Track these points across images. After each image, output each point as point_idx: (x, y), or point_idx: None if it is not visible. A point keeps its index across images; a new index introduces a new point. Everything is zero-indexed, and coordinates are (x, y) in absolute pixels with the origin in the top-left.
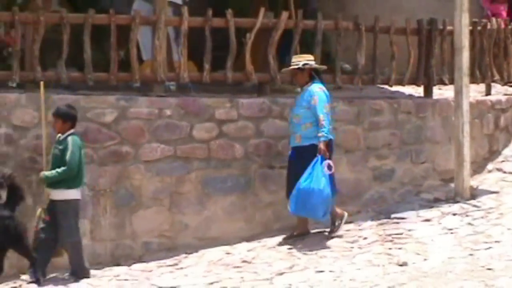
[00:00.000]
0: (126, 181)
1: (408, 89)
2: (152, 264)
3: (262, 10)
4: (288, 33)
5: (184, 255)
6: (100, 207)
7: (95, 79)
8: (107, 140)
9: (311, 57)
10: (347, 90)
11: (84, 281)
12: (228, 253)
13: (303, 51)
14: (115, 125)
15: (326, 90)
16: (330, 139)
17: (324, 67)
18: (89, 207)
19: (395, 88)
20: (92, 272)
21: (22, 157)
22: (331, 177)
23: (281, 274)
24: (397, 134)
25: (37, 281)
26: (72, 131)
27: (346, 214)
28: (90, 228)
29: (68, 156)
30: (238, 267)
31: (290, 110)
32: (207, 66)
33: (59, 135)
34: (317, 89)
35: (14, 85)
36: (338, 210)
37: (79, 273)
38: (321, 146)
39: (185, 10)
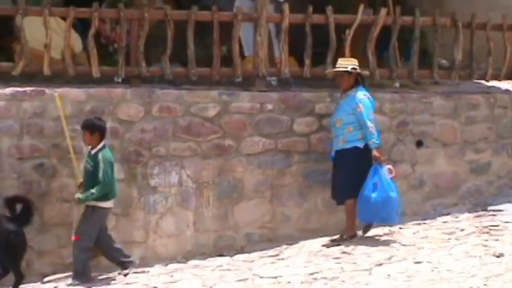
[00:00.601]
0: (229, 173)
1: (505, 84)
2: (254, 255)
3: (361, 7)
4: (386, 29)
5: (285, 246)
6: (203, 199)
7: (198, 74)
8: (210, 133)
9: (356, 61)
10: (444, 85)
11: (188, 271)
12: None
13: (401, 48)
14: (218, 119)
15: (370, 97)
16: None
17: (368, 73)
18: (193, 199)
19: (491, 83)
20: (196, 262)
21: (128, 150)
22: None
23: (380, 264)
24: (493, 128)
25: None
26: (102, 144)
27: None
28: (193, 220)
29: (100, 174)
30: (337, 258)
31: (332, 115)
32: (307, 61)
33: (90, 148)
34: (363, 96)
35: (120, 80)
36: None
37: (78, 276)
38: (376, 153)
39: (286, 7)
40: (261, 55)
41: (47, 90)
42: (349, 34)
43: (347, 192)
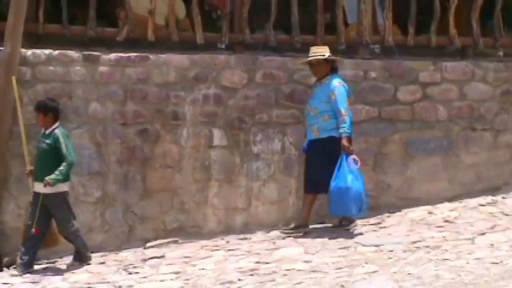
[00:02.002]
0: None
1: None
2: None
3: None
4: None
5: (387, 214)
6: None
7: (302, 41)
8: None
9: (328, 48)
10: None
11: (289, 238)
12: (430, 213)
13: (504, 16)
14: None
15: (345, 85)
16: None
17: (342, 59)
18: (295, 166)
19: None
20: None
21: (231, 117)
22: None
23: (483, 234)
24: None
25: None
26: (57, 124)
27: (356, 222)
28: (296, 187)
29: (64, 150)
30: (440, 226)
31: (307, 103)
32: (411, 29)
33: (43, 129)
34: (337, 84)
35: (223, 46)
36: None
37: (83, 258)
38: (344, 142)
39: None
40: (364, 23)
41: (151, 56)
42: (454, 2)
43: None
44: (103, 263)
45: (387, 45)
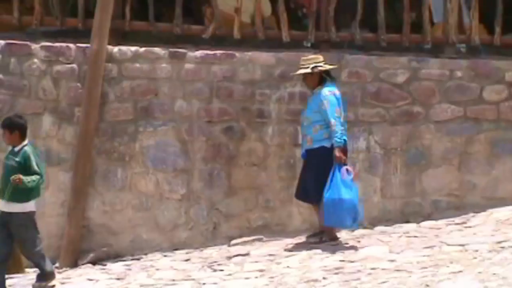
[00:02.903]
0: (417, 140)
1: None
2: (441, 222)
3: None
4: None
5: (472, 214)
6: (391, 165)
7: (387, 40)
8: (398, 100)
9: (320, 58)
10: None
11: (374, 237)
12: None
13: None
14: (407, 86)
15: (337, 93)
16: (345, 144)
17: (335, 66)
18: (380, 165)
19: None
20: (382, 228)
21: None
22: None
23: None
24: None
25: None
26: (26, 142)
27: (338, 240)
28: (380, 186)
29: (35, 167)
30: None
31: (301, 113)
32: (498, 29)
33: (12, 146)
34: (327, 93)
35: (309, 45)
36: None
37: (47, 277)
38: (336, 153)
39: None
40: (451, 22)
41: (237, 54)
42: None
43: (319, 193)
44: (187, 260)
45: (473, 45)
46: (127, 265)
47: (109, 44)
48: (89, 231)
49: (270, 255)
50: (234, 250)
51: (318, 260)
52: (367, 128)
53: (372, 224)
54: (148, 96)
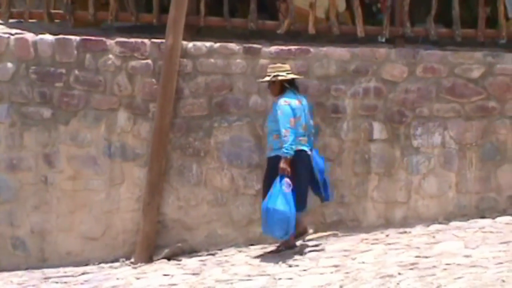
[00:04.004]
0: (492, 135)
1: None
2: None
3: None
4: None
5: None
6: (466, 160)
7: (462, 35)
8: (473, 95)
9: (285, 67)
10: None
11: (449, 232)
12: None
13: None
14: (482, 81)
15: (293, 103)
16: (301, 150)
17: (300, 76)
18: (455, 161)
19: None
20: (457, 223)
21: (391, 111)
22: (294, 194)
23: None
24: None
25: None
26: None
27: (310, 231)
28: (455, 181)
29: None
30: None
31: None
32: None
33: None
34: (282, 103)
35: (383, 40)
36: (300, 227)
37: None
38: (281, 164)
39: None
40: None
41: (311, 49)
42: None
43: None
44: (263, 255)
45: None
46: (202, 260)
47: (183, 39)
48: (164, 227)
49: (345, 250)
50: (309, 245)
51: (393, 255)
52: (442, 123)
53: (447, 219)
54: (223, 92)
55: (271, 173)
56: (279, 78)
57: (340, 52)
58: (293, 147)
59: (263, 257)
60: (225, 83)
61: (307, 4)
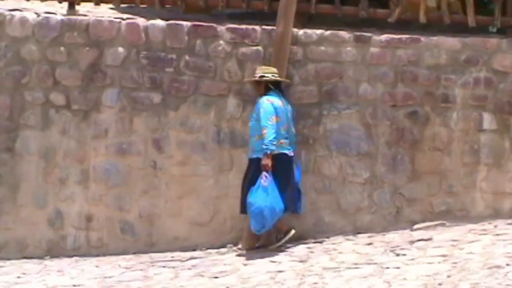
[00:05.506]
0: None
1: None
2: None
3: None
4: None
5: None
6: None
7: None
8: None
9: (272, 69)
10: None
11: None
12: None
13: None
14: None
15: (276, 102)
16: (282, 153)
17: (287, 80)
18: None
19: None
20: None
21: (501, 101)
22: (282, 193)
23: None
24: None
25: None
26: None
27: (292, 231)
28: None
29: None
30: None
31: None
32: None
33: None
34: (265, 101)
35: (495, 30)
36: (285, 225)
37: None
38: (262, 160)
39: None
40: None
41: (422, 38)
42: None
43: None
44: (370, 244)
45: None
46: (309, 247)
47: (294, 27)
48: None
49: (453, 240)
50: (417, 234)
51: (502, 246)
52: None
53: None
54: (333, 80)
55: (252, 175)
56: (264, 79)
57: (451, 42)
58: (274, 142)
59: (370, 246)
60: (335, 71)
61: None
